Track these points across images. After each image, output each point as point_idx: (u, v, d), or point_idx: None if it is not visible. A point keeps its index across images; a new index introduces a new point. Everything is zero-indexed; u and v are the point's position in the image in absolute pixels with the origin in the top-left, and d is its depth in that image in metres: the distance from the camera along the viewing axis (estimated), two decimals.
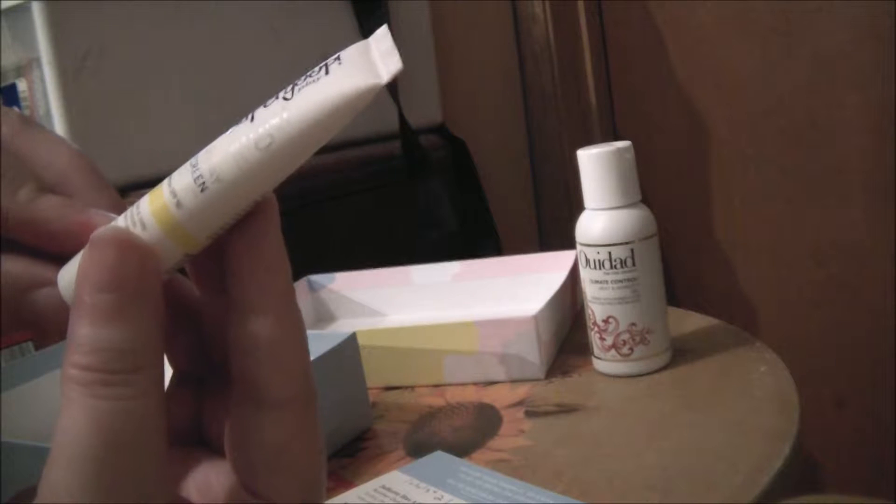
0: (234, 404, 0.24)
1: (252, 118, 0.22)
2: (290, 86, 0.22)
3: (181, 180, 0.22)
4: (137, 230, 0.22)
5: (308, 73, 0.22)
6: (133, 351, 0.21)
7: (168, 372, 0.24)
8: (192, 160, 0.22)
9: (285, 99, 0.21)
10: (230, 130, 0.22)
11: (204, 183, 0.21)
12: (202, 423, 0.26)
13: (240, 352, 0.23)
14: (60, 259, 0.25)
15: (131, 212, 0.23)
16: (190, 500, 0.24)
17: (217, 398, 0.26)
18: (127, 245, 0.22)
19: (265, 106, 0.22)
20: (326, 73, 0.21)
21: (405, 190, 1.07)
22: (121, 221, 0.23)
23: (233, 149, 0.21)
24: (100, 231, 0.22)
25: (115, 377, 0.21)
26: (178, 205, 0.22)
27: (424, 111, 1.14)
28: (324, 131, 0.21)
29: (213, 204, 0.22)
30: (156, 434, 0.22)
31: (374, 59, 0.22)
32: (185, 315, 0.26)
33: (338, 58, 0.22)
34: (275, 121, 0.21)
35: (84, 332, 0.21)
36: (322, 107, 0.21)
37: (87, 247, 0.22)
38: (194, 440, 0.26)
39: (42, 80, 0.76)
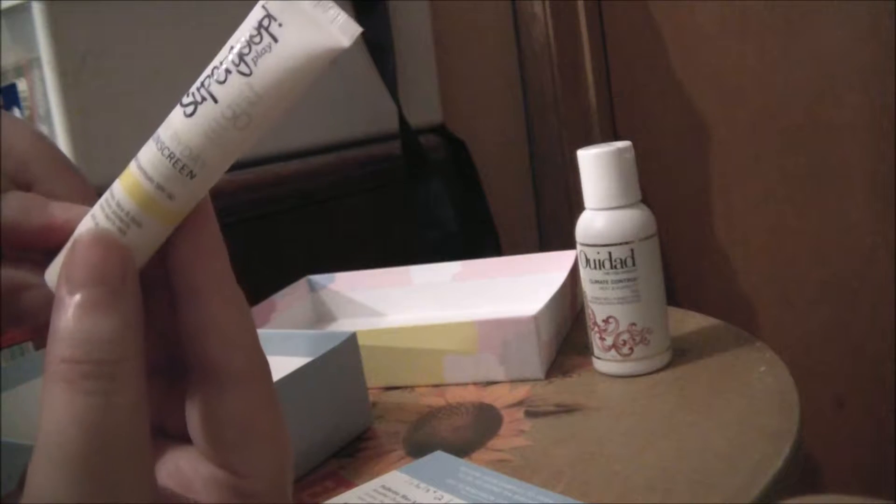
0: (195, 388, 0.24)
1: (214, 99, 0.23)
2: (237, 57, 0.23)
3: (164, 173, 0.23)
4: (133, 230, 0.23)
5: (249, 40, 0.23)
6: (118, 341, 0.21)
7: None
8: (165, 152, 0.23)
9: (243, 74, 0.23)
10: (195, 112, 0.23)
11: (191, 171, 0.23)
12: (161, 412, 0.26)
13: (192, 337, 0.24)
14: (40, 262, 0.25)
15: (113, 210, 0.23)
16: (166, 488, 0.24)
17: (174, 386, 0.26)
18: (109, 244, 0.23)
19: (220, 83, 0.23)
20: (275, 40, 0.23)
21: (405, 190, 1.07)
22: (101, 219, 0.24)
23: (213, 134, 0.23)
24: (81, 234, 0.23)
25: (100, 369, 0.21)
26: (171, 197, 0.23)
27: (424, 111, 1.14)
28: (294, 99, 0.23)
29: (202, 186, 0.24)
30: (139, 429, 0.21)
31: (318, 17, 0.23)
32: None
33: (273, 17, 0.23)
34: (247, 99, 0.23)
35: (67, 325, 0.21)
36: (289, 77, 0.23)
37: (69, 250, 0.23)
38: (156, 430, 0.26)
39: (42, 80, 0.76)
